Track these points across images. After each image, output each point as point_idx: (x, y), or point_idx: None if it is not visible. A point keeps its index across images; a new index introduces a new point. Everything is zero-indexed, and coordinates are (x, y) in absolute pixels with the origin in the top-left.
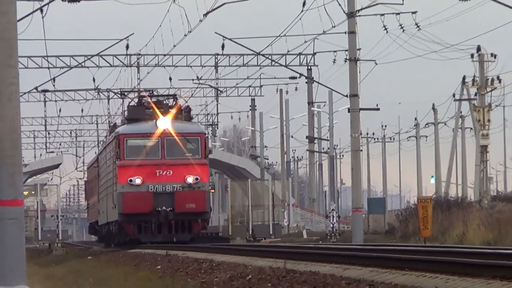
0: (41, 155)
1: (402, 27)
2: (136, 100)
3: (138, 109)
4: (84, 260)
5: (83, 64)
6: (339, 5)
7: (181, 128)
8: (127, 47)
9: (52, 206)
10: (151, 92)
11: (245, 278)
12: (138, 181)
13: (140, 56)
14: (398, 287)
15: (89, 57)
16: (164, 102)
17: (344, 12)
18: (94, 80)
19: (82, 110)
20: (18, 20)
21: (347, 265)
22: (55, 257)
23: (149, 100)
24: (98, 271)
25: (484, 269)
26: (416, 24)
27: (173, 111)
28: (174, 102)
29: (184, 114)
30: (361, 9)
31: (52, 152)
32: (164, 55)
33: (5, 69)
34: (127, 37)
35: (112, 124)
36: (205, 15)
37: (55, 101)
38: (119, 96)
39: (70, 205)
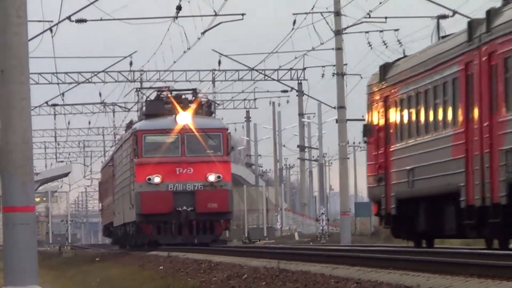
0: (51, 164)
1: (385, 44)
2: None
3: (156, 104)
4: (92, 261)
5: (90, 80)
6: (327, 23)
7: (202, 123)
8: (131, 63)
9: (62, 212)
10: (168, 88)
11: (241, 277)
12: (157, 179)
13: (142, 72)
14: (383, 285)
15: (95, 73)
16: (184, 96)
17: (331, 30)
18: (100, 94)
19: (89, 123)
20: (30, 40)
21: (336, 265)
22: (65, 259)
23: (168, 94)
24: (105, 271)
25: (462, 268)
26: (398, 40)
27: (193, 105)
28: (194, 97)
29: (205, 108)
30: (347, 27)
31: (62, 161)
32: (165, 70)
33: (17, 85)
34: (131, 54)
35: (128, 122)
36: (203, 33)
37: (64, 114)
38: (125, 109)
39: (78, 211)
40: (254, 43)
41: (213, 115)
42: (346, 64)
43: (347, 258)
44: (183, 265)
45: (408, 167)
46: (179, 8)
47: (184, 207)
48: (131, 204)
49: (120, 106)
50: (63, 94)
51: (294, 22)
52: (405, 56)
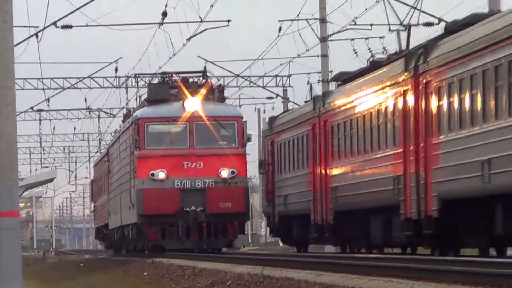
0: (36, 169)
1: (370, 51)
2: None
3: (161, 88)
4: (76, 267)
5: (75, 85)
6: (313, 30)
7: (213, 110)
8: (116, 69)
9: (46, 217)
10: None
11: (225, 283)
12: (161, 175)
13: (128, 78)
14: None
15: (81, 79)
16: (192, 80)
17: (317, 37)
18: (85, 100)
19: (74, 128)
20: (15, 45)
21: (320, 272)
22: (49, 264)
23: (174, 77)
24: (89, 277)
25: (445, 275)
26: (384, 48)
27: (203, 90)
28: (204, 80)
29: (217, 94)
30: (333, 34)
31: (47, 167)
32: (150, 75)
33: (3, 90)
34: (116, 60)
35: (127, 111)
36: (188, 39)
37: (50, 120)
38: (110, 115)
39: (63, 216)
40: (240, 49)
41: (225, 101)
42: (331, 71)
43: (331, 265)
44: (167, 271)
45: (284, 193)
46: (164, 14)
47: (193, 207)
48: (131, 204)
49: (105, 112)
50: (48, 99)
51: (280, 29)
52: (287, 110)
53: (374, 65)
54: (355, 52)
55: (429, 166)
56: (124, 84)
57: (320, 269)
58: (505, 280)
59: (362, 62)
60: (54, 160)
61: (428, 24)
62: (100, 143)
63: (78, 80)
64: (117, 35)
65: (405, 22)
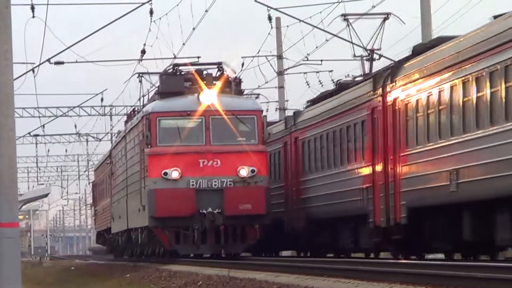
0: (33, 186)
1: (321, 83)
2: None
3: (174, 80)
4: (68, 270)
5: (67, 113)
6: (271, 65)
7: (231, 103)
8: (102, 100)
9: (42, 227)
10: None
11: (196, 283)
12: (175, 174)
13: (112, 107)
14: None
15: (71, 108)
16: (206, 72)
17: (274, 71)
18: (75, 126)
19: (66, 151)
20: (15, 79)
21: (278, 273)
22: (44, 268)
23: (188, 69)
24: (80, 279)
25: (387, 275)
26: (332, 80)
27: (220, 82)
28: (220, 72)
29: (234, 86)
30: (288, 69)
31: (42, 184)
32: (132, 106)
33: (4, 118)
34: (102, 92)
35: (130, 110)
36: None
37: (45, 143)
38: (97, 139)
39: (56, 226)
40: None
41: (243, 94)
42: (287, 101)
43: (288, 267)
44: (147, 273)
45: None
46: (143, 51)
47: (210, 209)
48: (142, 206)
49: (92, 137)
50: (43, 126)
51: (243, 64)
52: None
53: (342, 86)
54: (308, 84)
55: (397, 177)
56: (109, 112)
57: (279, 271)
58: (432, 280)
59: (314, 92)
60: (49, 178)
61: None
62: (88, 164)
63: (69, 109)
64: (103, 70)
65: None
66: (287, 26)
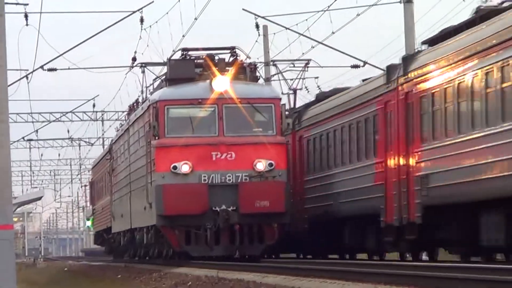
0: (27, 189)
1: (307, 89)
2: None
3: (184, 65)
4: (61, 271)
5: (59, 119)
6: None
7: (246, 91)
8: (94, 105)
9: (36, 229)
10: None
11: (186, 284)
12: (185, 168)
13: (104, 112)
14: None
15: (64, 113)
16: (218, 58)
17: (262, 77)
18: (68, 131)
19: (59, 155)
20: (9, 85)
21: (265, 274)
22: (38, 269)
23: (199, 54)
24: (72, 280)
25: (371, 276)
26: (318, 86)
27: (233, 68)
28: (233, 58)
29: (249, 73)
30: (275, 75)
31: (36, 187)
32: (123, 111)
33: None
34: (94, 98)
35: (133, 102)
36: (154, 80)
37: (38, 148)
38: (89, 143)
39: (50, 228)
40: None
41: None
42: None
43: (275, 268)
44: (138, 274)
45: None
46: (134, 59)
47: (223, 206)
48: (148, 203)
49: (85, 141)
50: (37, 131)
51: None
52: None
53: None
54: (292, 90)
55: (411, 174)
56: (101, 117)
57: (266, 272)
58: (419, 281)
59: (300, 98)
60: (42, 181)
61: (355, 66)
62: (80, 167)
63: (62, 114)
64: (95, 76)
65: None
66: (274, 34)
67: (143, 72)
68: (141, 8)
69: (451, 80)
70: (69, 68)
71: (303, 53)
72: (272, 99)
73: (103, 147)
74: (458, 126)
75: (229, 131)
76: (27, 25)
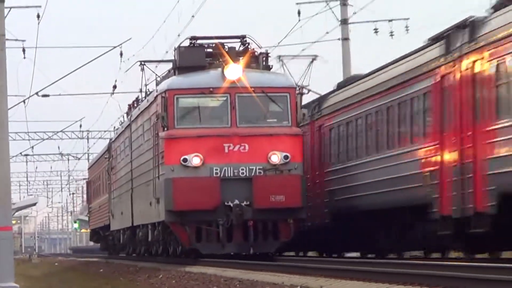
0: (24, 197)
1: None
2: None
3: (194, 53)
4: (53, 266)
5: (51, 137)
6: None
7: (260, 80)
8: (80, 126)
9: (31, 230)
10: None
11: (158, 277)
12: (196, 160)
13: (89, 132)
14: (258, 283)
15: (56, 132)
16: (228, 47)
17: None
18: (59, 147)
19: (51, 168)
20: (9, 109)
21: (226, 268)
22: (33, 264)
23: (209, 42)
24: (62, 273)
25: (366, 274)
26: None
27: (246, 57)
28: (244, 46)
29: (261, 62)
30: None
31: (31, 195)
32: (105, 131)
33: (0, 141)
34: (81, 119)
35: (133, 101)
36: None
37: (33, 161)
38: (76, 158)
39: (43, 230)
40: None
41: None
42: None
43: (233, 264)
44: (117, 268)
45: None
46: (114, 87)
47: (237, 201)
48: (155, 198)
49: (73, 156)
50: (32, 147)
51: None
52: None
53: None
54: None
55: (479, 157)
56: (86, 136)
57: (226, 266)
58: (411, 279)
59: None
60: (37, 190)
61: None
62: (69, 178)
63: (53, 133)
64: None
65: None
66: None
67: (142, 69)
68: (121, 44)
69: None
70: (60, 94)
71: None
72: (288, 88)
73: (88, 161)
74: None
75: (242, 122)
76: (24, 58)
